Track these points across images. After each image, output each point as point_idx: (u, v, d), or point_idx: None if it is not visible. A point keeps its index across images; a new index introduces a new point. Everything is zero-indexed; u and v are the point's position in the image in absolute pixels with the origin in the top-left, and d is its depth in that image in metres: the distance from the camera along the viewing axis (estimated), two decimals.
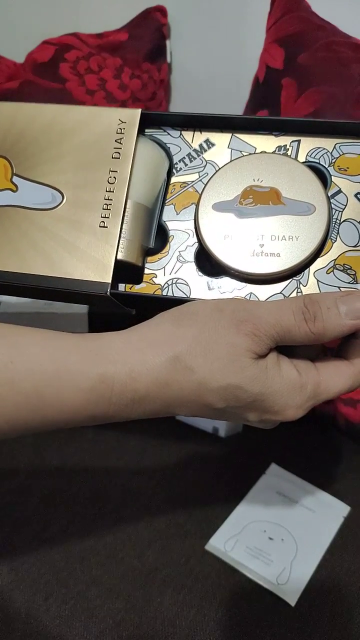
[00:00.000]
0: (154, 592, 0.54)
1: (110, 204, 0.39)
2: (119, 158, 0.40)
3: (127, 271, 0.40)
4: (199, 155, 0.42)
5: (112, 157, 0.40)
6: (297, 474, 0.65)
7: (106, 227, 0.39)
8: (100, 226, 0.39)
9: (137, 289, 0.40)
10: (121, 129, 0.41)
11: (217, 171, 0.41)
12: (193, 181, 0.42)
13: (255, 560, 0.56)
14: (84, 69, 0.79)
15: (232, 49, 0.82)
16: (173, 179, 0.42)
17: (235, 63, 0.82)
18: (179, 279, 0.40)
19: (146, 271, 0.40)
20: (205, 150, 0.42)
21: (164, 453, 0.68)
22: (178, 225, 0.41)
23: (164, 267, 0.40)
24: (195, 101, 0.88)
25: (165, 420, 0.72)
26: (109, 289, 0.38)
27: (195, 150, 0.42)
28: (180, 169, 0.42)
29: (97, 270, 0.38)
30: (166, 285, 0.40)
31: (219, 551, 0.57)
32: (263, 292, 0.39)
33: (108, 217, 0.39)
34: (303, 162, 0.40)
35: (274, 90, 0.67)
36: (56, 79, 0.78)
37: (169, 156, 0.42)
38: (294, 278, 0.39)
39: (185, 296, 0.40)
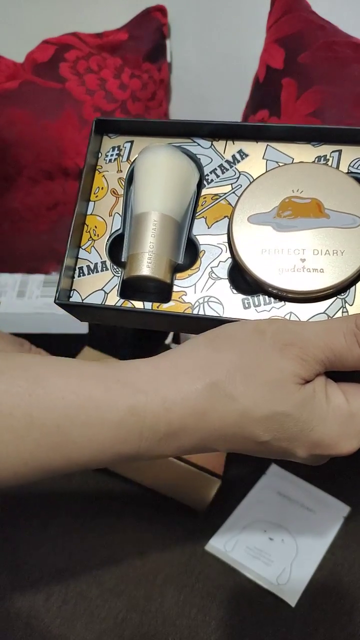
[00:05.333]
0: (155, 592, 0.54)
1: None
2: None
3: (154, 289, 0.38)
4: (231, 167, 0.40)
5: None
6: (297, 474, 0.65)
7: None
8: None
9: (166, 307, 0.37)
10: None
11: (252, 182, 0.38)
12: (225, 193, 0.39)
13: (256, 561, 0.56)
14: (83, 69, 0.79)
15: (232, 48, 0.82)
16: (204, 191, 0.40)
17: (235, 63, 0.82)
18: (211, 297, 0.37)
19: (175, 289, 0.38)
20: (239, 161, 0.40)
21: None
22: (210, 239, 0.38)
23: (195, 284, 0.38)
24: (196, 101, 0.88)
25: None
26: None
27: (227, 161, 0.40)
28: (212, 180, 0.40)
29: None
30: (197, 303, 0.37)
31: (219, 551, 0.57)
32: (304, 311, 0.36)
33: None
34: (346, 173, 0.38)
35: (274, 90, 0.67)
36: (56, 78, 0.78)
37: (199, 167, 0.40)
38: (339, 296, 0.36)
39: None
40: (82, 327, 0.71)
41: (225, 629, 0.51)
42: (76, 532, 0.59)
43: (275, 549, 0.57)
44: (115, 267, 0.39)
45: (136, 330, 0.72)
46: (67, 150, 0.78)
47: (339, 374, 0.32)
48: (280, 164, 0.39)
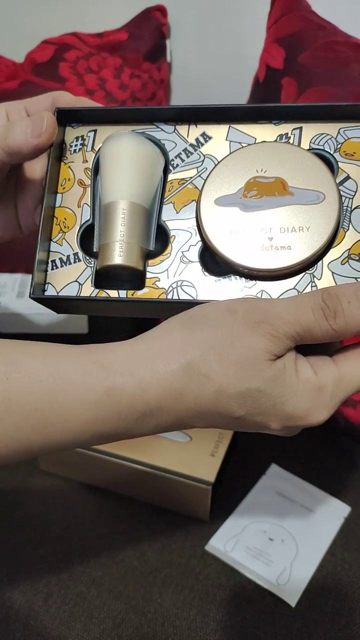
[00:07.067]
0: (154, 592, 0.54)
1: None
2: None
3: (127, 277, 0.39)
4: (196, 150, 0.40)
5: None
6: (297, 474, 0.65)
7: None
8: None
9: (140, 294, 0.38)
10: None
11: (217, 164, 0.39)
12: (192, 177, 0.40)
13: (256, 561, 0.56)
14: (83, 69, 0.79)
15: (232, 48, 0.82)
16: (170, 176, 0.40)
17: (235, 63, 0.82)
18: (183, 281, 0.38)
19: (148, 275, 0.38)
20: (202, 144, 0.40)
21: None
22: (179, 224, 0.39)
23: (167, 269, 0.38)
24: (195, 101, 0.88)
25: None
26: None
27: (191, 144, 0.40)
28: (177, 165, 0.40)
29: None
30: (170, 288, 0.38)
31: (219, 552, 0.57)
32: (275, 288, 0.37)
33: None
34: (307, 150, 0.38)
35: (274, 90, 0.67)
36: (56, 78, 0.78)
37: (164, 153, 0.40)
38: (308, 271, 0.37)
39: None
40: (81, 327, 0.71)
41: (225, 629, 0.51)
42: (76, 532, 0.59)
43: (275, 549, 0.57)
44: (87, 257, 0.40)
45: (134, 330, 0.72)
46: None
47: (307, 345, 0.33)
48: (244, 145, 0.39)
